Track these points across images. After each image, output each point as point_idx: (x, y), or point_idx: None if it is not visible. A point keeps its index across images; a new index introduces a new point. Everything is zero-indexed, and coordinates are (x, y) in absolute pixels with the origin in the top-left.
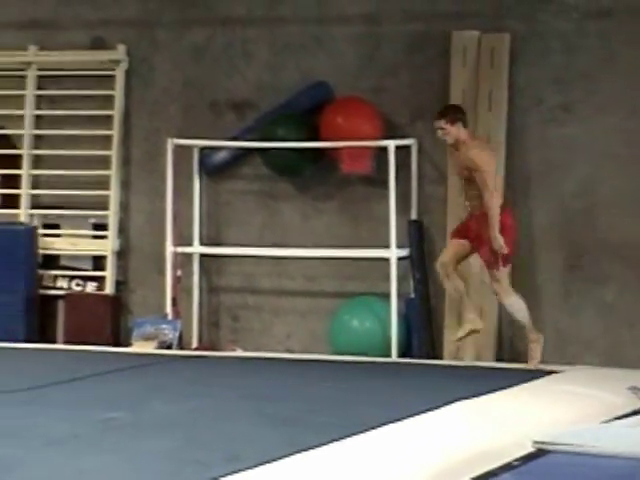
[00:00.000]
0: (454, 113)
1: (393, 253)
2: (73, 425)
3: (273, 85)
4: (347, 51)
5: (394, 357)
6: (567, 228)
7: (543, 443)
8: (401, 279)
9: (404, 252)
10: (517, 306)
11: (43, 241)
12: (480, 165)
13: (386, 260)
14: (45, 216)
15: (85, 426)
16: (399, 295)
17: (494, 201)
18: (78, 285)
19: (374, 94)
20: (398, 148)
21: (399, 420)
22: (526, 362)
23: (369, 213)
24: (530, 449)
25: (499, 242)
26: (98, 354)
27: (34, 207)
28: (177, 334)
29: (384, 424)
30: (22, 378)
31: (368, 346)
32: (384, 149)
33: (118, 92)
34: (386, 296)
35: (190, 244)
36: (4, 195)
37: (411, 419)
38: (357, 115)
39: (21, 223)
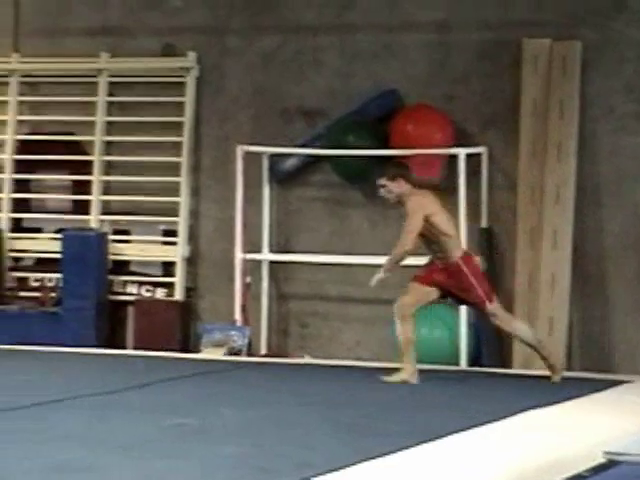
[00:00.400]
0: (394, 170)
1: None
2: (143, 430)
3: (343, 92)
4: (418, 59)
5: (463, 366)
6: (638, 237)
7: (614, 454)
8: None
9: None
10: (523, 330)
11: (113, 247)
12: (409, 210)
13: None
14: (115, 222)
15: (155, 431)
16: None
17: (405, 245)
18: (148, 291)
19: (444, 102)
20: (468, 156)
21: (468, 429)
22: (595, 371)
23: None
24: (601, 459)
25: (386, 267)
26: (167, 360)
27: (105, 213)
28: (246, 341)
29: (452, 433)
30: (93, 383)
31: (437, 354)
32: (454, 157)
33: (188, 99)
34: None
35: (259, 251)
36: (75, 201)
37: (480, 428)
38: (427, 123)
39: (92, 229)
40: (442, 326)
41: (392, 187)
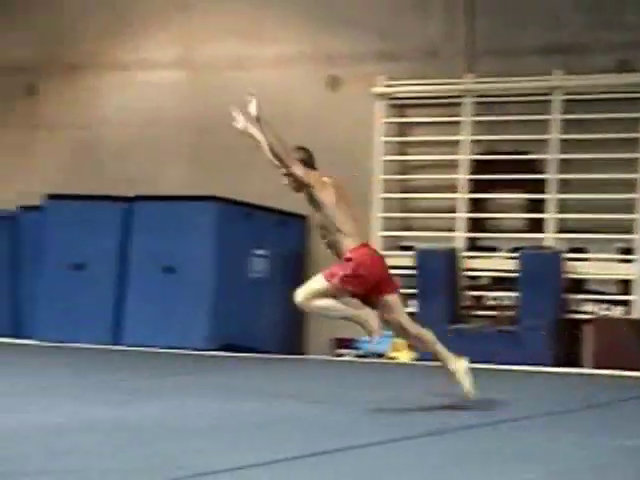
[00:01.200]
0: (295, 154)
1: None
2: (589, 452)
3: None
4: None
5: None
6: None
7: None
8: None
9: None
10: (320, 308)
11: (569, 265)
12: (308, 181)
13: None
14: (571, 240)
15: (600, 453)
16: None
17: (295, 168)
18: (604, 310)
19: None
20: None
21: None
22: None
23: None
24: None
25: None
26: (628, 379)
27: (560, 231)
28: None
29: None
30: (548, 402)
31: None
32: None
33: None
34: None
35: None
36: (530, 220)
37: None
38: None
39: (548, 248)
40: None
41: (294, 172)
